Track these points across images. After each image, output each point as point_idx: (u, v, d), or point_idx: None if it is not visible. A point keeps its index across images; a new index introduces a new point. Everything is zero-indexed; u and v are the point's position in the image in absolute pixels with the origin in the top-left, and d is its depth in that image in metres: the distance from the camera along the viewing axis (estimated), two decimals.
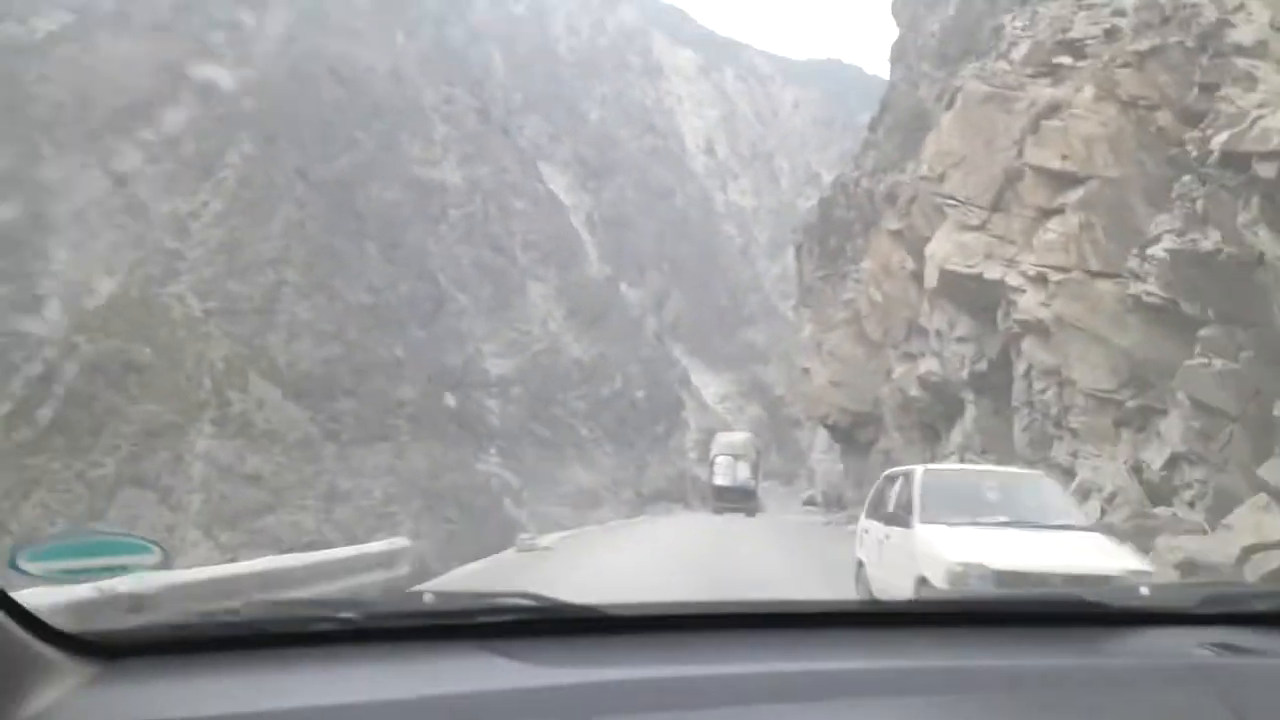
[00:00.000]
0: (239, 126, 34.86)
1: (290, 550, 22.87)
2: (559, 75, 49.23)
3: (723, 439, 31.13)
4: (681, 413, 36.93)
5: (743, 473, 29.56)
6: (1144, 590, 1.66)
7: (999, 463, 13.21)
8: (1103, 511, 11.42)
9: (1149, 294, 11.87)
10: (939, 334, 18.23)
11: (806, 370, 29.54)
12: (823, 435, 31.92)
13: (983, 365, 16.37)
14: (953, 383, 18.00)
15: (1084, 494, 11.90)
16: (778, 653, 1.24)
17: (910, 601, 1.83)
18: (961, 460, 16.52)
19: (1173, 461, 11.56)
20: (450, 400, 29.81)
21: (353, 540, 24.10)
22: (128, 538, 2.86)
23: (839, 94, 61.33)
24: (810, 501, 33.84)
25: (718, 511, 27.70)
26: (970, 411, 17.52)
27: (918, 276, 18.60)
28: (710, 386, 39.73)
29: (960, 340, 17.07)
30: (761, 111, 57.19)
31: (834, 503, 32.29)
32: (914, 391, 20.38)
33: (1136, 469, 12.22)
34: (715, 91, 56.15)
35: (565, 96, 47.69)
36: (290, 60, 35.54)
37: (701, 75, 56.50)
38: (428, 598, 1.30)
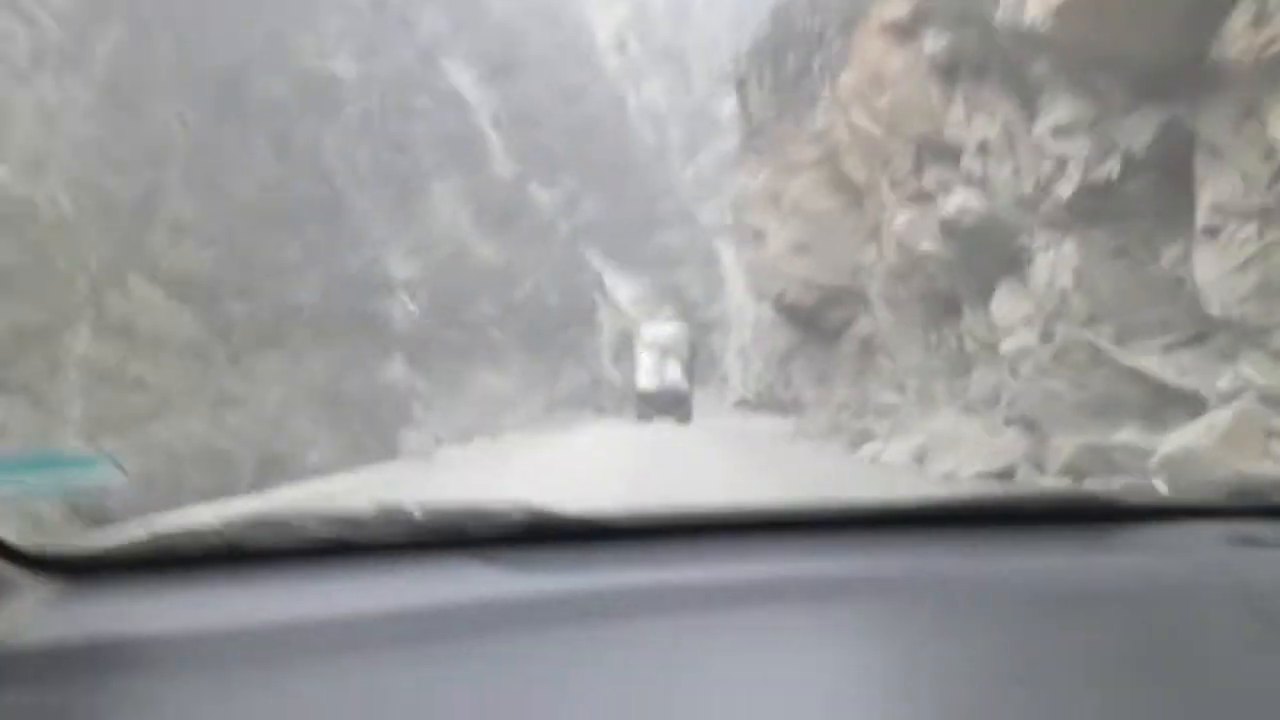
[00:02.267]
0: (109, 14, 31.96)
1: (178, 457, 21.56)
2: None
3: (649, 331, 27.54)
4: (596, 316, 36.08)
5: (673, 372, 25.99)
6: (1162, 487, 1.59)
7: (1124, 342, 10.15)
8: None
9: None
10: (986, 148, 12.55)
11: (759, 234, 23.37)
12: (764, 319, 27.01)
13: (1108, 170, 10.06)
14: (1008, 220, 12.37)
15: None
16: (768, 555, 1.22)
17: (911, 499, 1.52)
18: (1045, 334, 11.50)
19: None
20: (351, 303, 28.33)
21: (247, 447, 22.89)
22: (88, 455, 2.62)
23: None
24: (745, 404, 31.10)
25: (643, 418, 25.05)
26: (1053, 257, 11.36)
27: (946, 68, 13.45)
28: (624, 290, 38.92)
29: (1061, 134, 10.64)
30: (673, 9, 55.35)
31: (776, 405, 29.59)
32: (927, 245, 14.79)
33: None
34: None
35: None
36: None
37: None
38: (417, 511, 1.21)
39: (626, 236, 41.91)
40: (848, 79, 17.59)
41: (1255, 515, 1.39)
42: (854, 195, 18.90)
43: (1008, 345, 12.68)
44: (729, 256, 44.63)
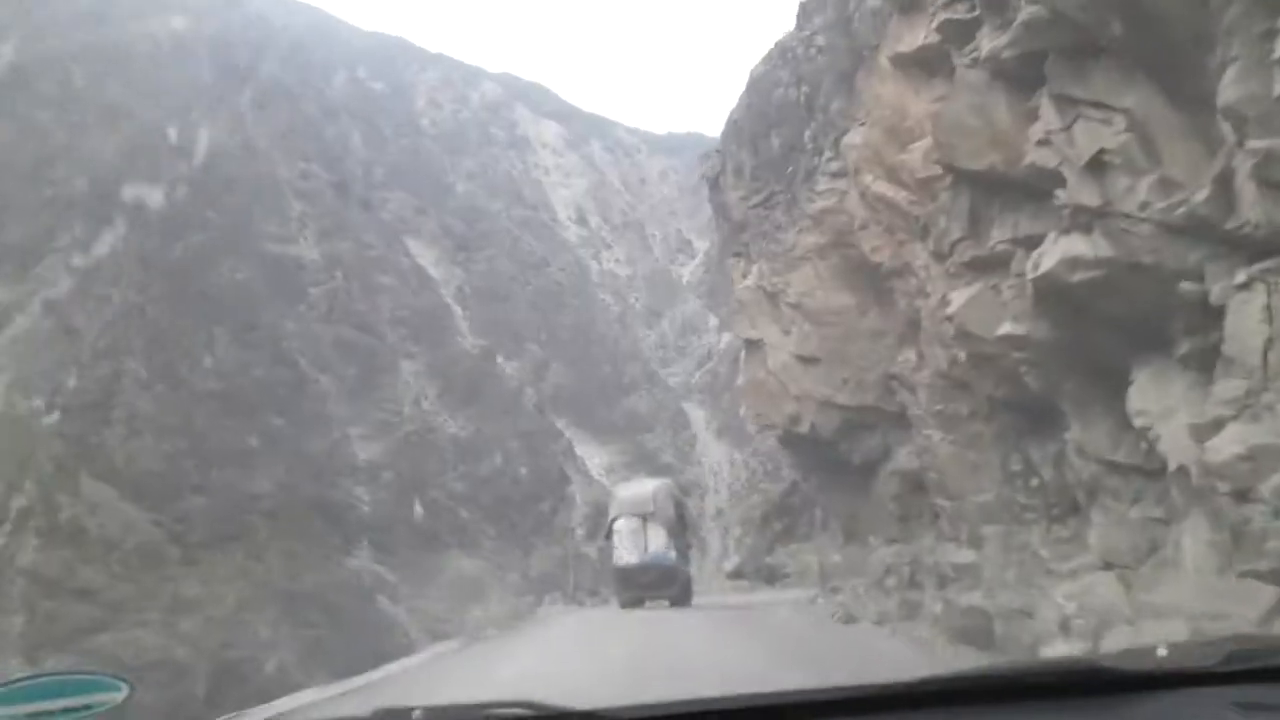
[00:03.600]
0: (70, 207, 32.15)
1: (126, 670, 20.06)
2: (422, 149, 47.98)
3: (625, 494, 22.61)
4: (567, 488, 35.27)
5: (657, 541, 20.99)
6: (1162, 651, 1.52)
7: None
8: None
9: None
10: (1105, 164, 8.64)
11: (755, 348, 20.81)
12: (736, 466, 26.67)
13: None
14: (1157, 263, 8.36)
15: None
16: None
17: (917, 680, 1.40)
18: None
19: None
20: (312, 490, 27.39)
21: (202, 656, 21.45)
22: (92, 675, 2.58)
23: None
24: (738, 574, 28.30)
25: (627, 605, 20.37)
26: (1269, 300, 7.25)
27: (1018, 69, 9.68)
28: (596, 458, 38.28)
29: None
30: (630, 181, 57.17)
31: (766, 575, 27.76)
32: (1006, 328, 10.68)
33: None
34: (583, 162, 55.87)
35: (429, 170, 46.40)
36: (123, 137, 33.16)
37: (569, 148, 56.20)
38: (417, 713, 1.19)
39: (595, 403, 41.63)
40: (856, 139, 14.57)
41: (1255, 679, 1.36)
42: (876, 284, 15.83)
43: (1213, 450, 7.41)
44: (699, 417, 44.42)
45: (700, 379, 47.67)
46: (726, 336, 50.49)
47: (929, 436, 15.34)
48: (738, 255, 22.61)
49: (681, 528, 22.06)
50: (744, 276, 21.82)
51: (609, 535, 21.86)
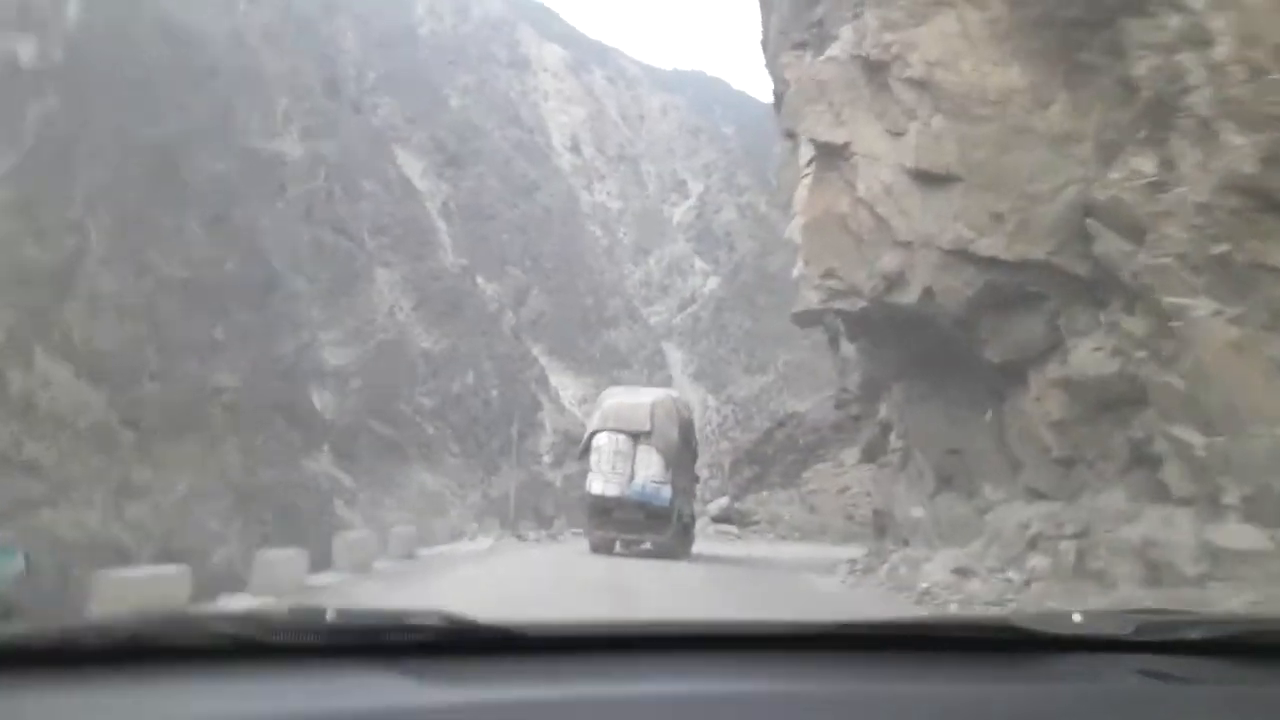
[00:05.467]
0: (45, 78, 30.72)
1: (67, 548, 19.39)
2: (419, 59, 46.50)
3: (614, 402, 17.31)
4: (538, 414, 34.68)
5: (649, 468, 16.04)
6: (1076, 617, 1.58)
7: None
8: None
9: None
10: None
11: (831, 152, 12.99)
12: (709, 411, 22.37)
13: None
14: None
15: None
16: (695, 674, 1.21)
17: (834, 624, 1.43)
18: None
19: None
20: (276, 390, 26.61)
21: (145, 542, 20.79)
22: None
23: (705, 104, 60.82)
24: (724, 518, 25.78)
25: (598, 547, 16.32)
26: None
27: None
28: (569, 389, 37.69)
29: None
30: (629, 115, 55.90)
31: (739, 520, 25.83)
32: None
33: None
34: (583, 90, 54.50)
35: (425, 80, 44.98)
36: (109, 14, 31.68)
37: (570, 73, 54.78)
38: (330, 613, 1.20)
39: (574, 334, 40.92)
40: None
41: (1164, 649, 1.42)
42: (1070, 47, 10.22)
43: None
44: (677, 359, 43.85)
45: (682, 321, 47.04)
46: (713, 280, 49.73)
47: (1181, 311, 8.92)
48: (813, 28, 14.28)
49: (685, 456, 17.43)
50: (821, 51, 13.64)
51: (585, 453, 17.05)
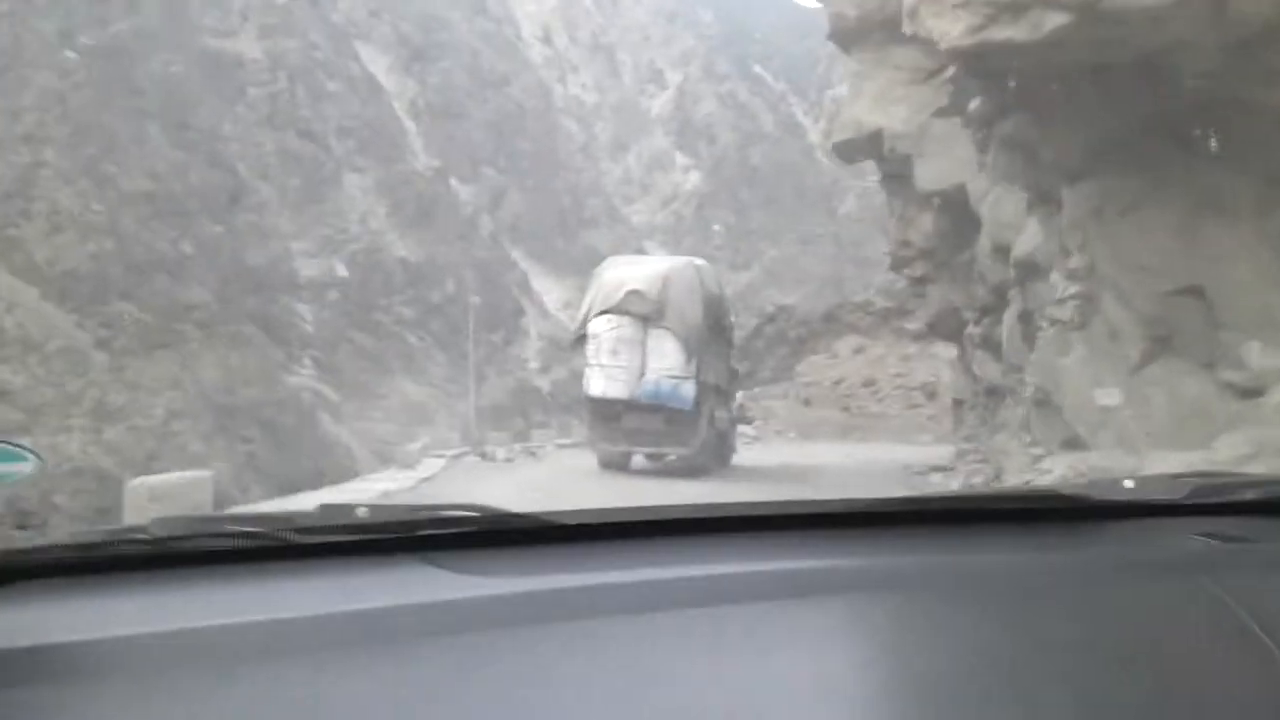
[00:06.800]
0: None
1: (44, 476, 18.97)
2: None
3: (615, 275, 14.03)
4: (521, 320, 34.11)
5: (664, 359, 12.94)
6: (1128, 483, 1.52)
7: None
8: None
9: None
10: None
11: None
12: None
13: None
14: None
15: None
16: (736, 555, 1.18)
17: (879, 500, 1.38)
18: None
19: None
20: (251, 304, 25.87)
21: (127, 466, 20.36)
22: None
23: None
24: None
25: (607, 462, 13.65)
26: None
27: None
28: (552, 292, 37.02)
29: None
30: (602, 1, 53.60)
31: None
32: None
33: None
34: None
35: None
36: None
37: None
38: (361, 510, 1.17)
39: (553, 236, 40.02)
40: None
41: (1219, 512, 1.40)
42: None
43: None
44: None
45: (664, 219, 46.11)
46: (694, 175, 48.54)
47: None
48: None
49: (715, 343, 14.14)
50: None
51: (579, 342, 13.93)
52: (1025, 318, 12.53)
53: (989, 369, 14.54)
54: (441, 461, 16.86)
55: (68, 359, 22.73)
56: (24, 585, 1.01)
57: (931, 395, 30.97)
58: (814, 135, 54.24)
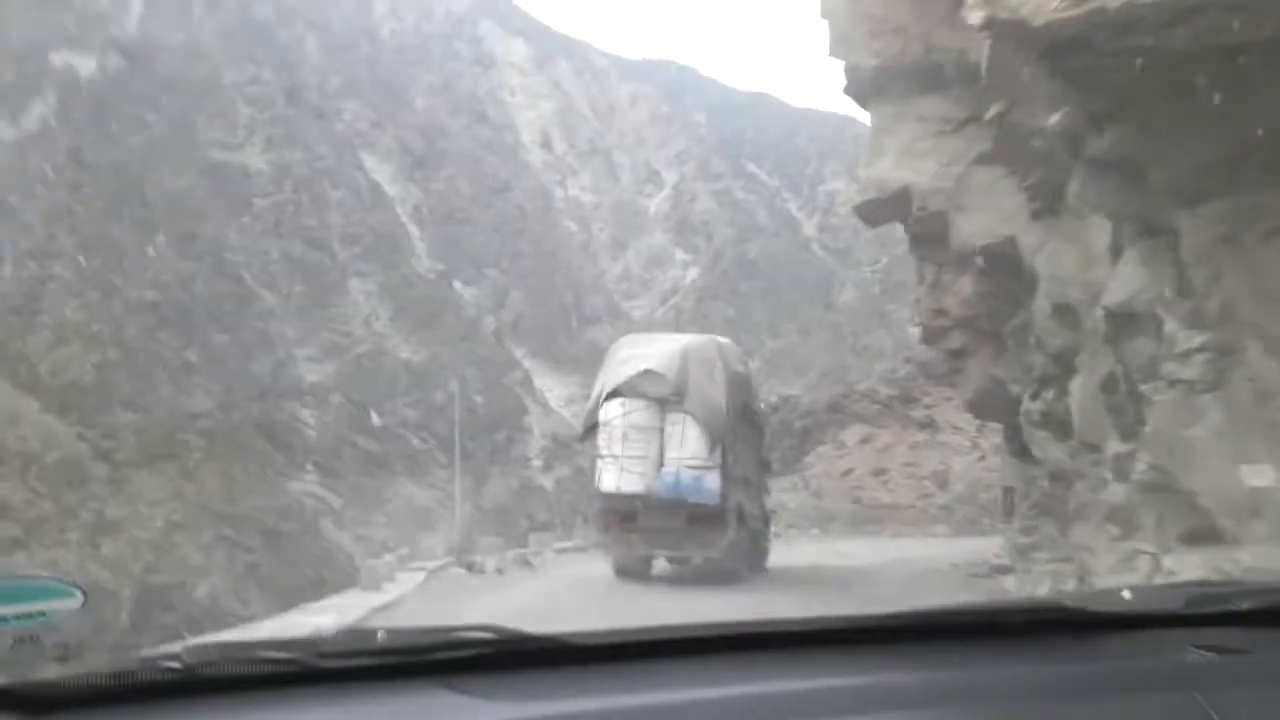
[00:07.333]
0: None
1: None
2: (381, 60, 45.56)
3: (629, 353, 12.52)
4: (524, 418, 34.02)
5: (681, 448, 11.53)
6: (1126, 594, 1.57)
7: None
8: None
9: None
10: None
11: None
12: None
13: None
14: None
15: None
16: (755, 675, 1.20)
17: (888, 615, 1.42)
18: None
19: None
20: (254, 411, 25.83)
21: (125, 580, 20.02)
22: (44, 580, 2.32)
23: (675, 92, 60.10)
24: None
25: (623, 569, 12.12)
26: None
27: None
28: (555, 390, 37.02)
29: None
30: (598, 106, 55.11)
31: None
32: None
33: None
34: (550, 84, 53.65)
35: (388, 82, 44.07)
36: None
37: (535, 68, 53.90)
38: (381, 635, 1.21)
39: (555, 333, 40.25)
40: None
41: (1219, 622, 1.42)
42: None
43: None
44: None
45: (664, 313, 46.42)
46: (693, 270, 49.11)
47: None
48: None
49: (742, 428, 12.84)
50: None
51: (589, 432, 12.41)
52: (1112, 385, 9.99)
53: (1052, 450, 12.41)
54: (419, 577, 14.14)
55: (67, 471, 22.59)
56: (64, 714, 1.06)
57: (943, 484, 30.59)
58: (808, 228, 55.08)
